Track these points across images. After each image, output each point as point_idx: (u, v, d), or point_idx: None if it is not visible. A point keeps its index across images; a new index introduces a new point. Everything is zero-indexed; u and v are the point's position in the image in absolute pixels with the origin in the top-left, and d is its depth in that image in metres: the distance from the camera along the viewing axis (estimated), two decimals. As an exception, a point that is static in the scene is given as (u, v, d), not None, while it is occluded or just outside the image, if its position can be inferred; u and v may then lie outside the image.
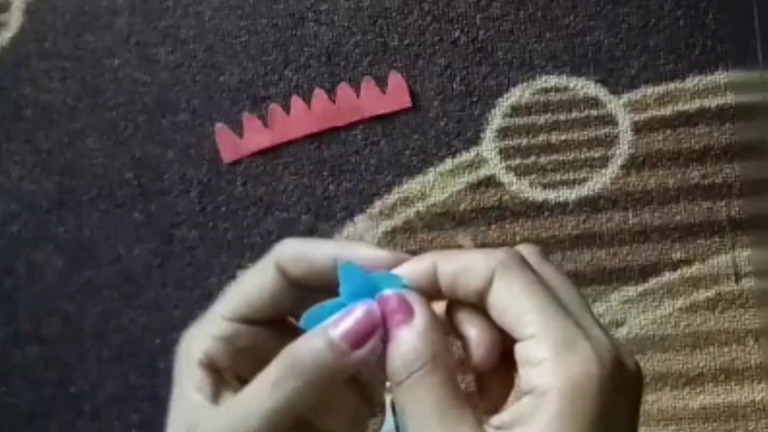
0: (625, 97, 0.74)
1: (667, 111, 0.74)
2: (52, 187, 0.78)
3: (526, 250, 0.31)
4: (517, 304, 0.29)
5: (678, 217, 0.73)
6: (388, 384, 0.30)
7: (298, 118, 0.76)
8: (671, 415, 0.72)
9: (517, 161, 0.75)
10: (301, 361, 0.29)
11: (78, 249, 0.78)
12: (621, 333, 0.73)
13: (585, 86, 0.75)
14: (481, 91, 0.75)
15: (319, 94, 0.76)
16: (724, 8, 0.73)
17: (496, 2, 0.76)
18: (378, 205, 0.76)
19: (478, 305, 0.30)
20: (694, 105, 0.74)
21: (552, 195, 0.74)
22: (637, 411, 0.30)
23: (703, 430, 0.71)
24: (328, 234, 0.76)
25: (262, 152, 0.77)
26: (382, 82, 0.76)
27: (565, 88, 0.75)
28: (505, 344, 0.30)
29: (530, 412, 0.27)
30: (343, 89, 0.76)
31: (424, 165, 0.75)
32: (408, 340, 0.29)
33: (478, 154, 0.75)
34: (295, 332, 0.32)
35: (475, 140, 0.75)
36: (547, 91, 0.75)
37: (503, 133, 0.75)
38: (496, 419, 0.28)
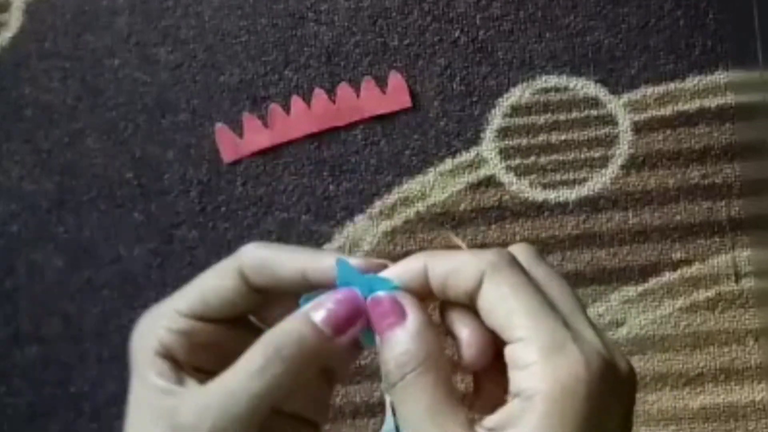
0: (625, 97, 0.74)
1: (667, 111, 0.74)
2: (52, 187, 0.78)
3: (520, 250, 0.31)
4: (505, 305, 0.28)
5: (678, 217, 0.73)
6: (384, 385, 0.30)
7: (298, 118, 0.76)
8: (671, 415, 0.72)
9: (517, 161, 0.75)
10: (285, 346, 0.29)
11: (78, 249, 0.78)
12: (621, 333, 0.73)
13: (585, 86, 0.75)
14: (481, 91, 0.75)
15: (319, 94, 0.76)
16: (724, 8, 0.73)
17: (496, 2, 0.76)
18: (378, 205, 0.76)
19: (470, 306, 0.30)
20: (694, 105, 0.74)
21: (552, 195, 0.74)
22: (629, 413, 0.29)
23: (703, 430, 0.71)
24: (328, 234, 0.76)
25: (262, 152, 0.77)
26: (382, 82, 0.76)
27: (565, 88, 0.75)
28: (497, 345, 0.30)
29: (518, 415, 0.27)
30: (343, 89, 0.76)
31: (424, 165, 0.75)
32: (401, 342, 0.29)
33: (478, 154, 0.75)
34: (255, 329, 0.32)
35: (475, 140, 0.75)
36: (547, 91, 0.75)
37: (503, 133, 0.75)
38: (489, 420, 0.28)
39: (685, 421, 0.72)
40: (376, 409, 0.74)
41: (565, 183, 0.74)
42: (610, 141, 0.74)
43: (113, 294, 0.77)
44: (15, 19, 0.80)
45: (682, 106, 0.74)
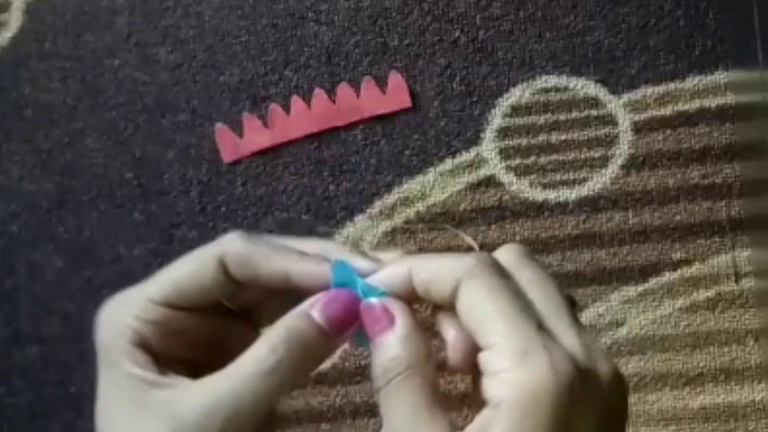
0: (625, 97, 0.74)
1: (667, 111, 0.74)
2: (52, 187, 0.78)
3: (507, 251, 0.31)
4: (481, 311, 0.28)
5: (678, 217, 0.73)
6: (373, 388, 0.30)
7: (298, 118, 0.76)
8: (671, 415, 0.72)
9: (517, 161, 0.75)
10: (293, 347, 0.29)
11: (78, 249, 0.78)
12: (621, 333, 0.73)
13: (585, 86, 0.75)
14: (481, 91, 0.75)
15: (319, 94, 0.76)
16: (724, 8, 0.73)
17: (496, 2, 0.76)
18: (378, 205, 0.76)
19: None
20: (694, 105, 0.74)
21: (552, 195, 0.74)
22: (612, 416, 0.29)
23: (703, 430, 0.71)
24: (328, 234, 0.76)
25: (262, 152, 0.77)
26: (382, 82, 0.76)
27: (565, 88, 0.75)
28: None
29: (488, 423, 0.27)
30: (343, 89, 0.76)
31: (424, 165, 0.75)
32: (389, 348, 0.29)
33: (478, 154, 0.75)
34: (229, 314, 0.32)
35: (475, 140, 0.75)
36: (547, 91, 0.75)
37: (503, 133, 0.75)
38: (468, 427, 0.28)
39: (685, 421, 0.72)
40: (376, 409, 0.74)
41: (565, 183, 0.74)
42: (610, 141, 0.74)
43: (113, 294, 0.77)
44: (15, 19, 0.80)
45: (682, 106, 0.74)
